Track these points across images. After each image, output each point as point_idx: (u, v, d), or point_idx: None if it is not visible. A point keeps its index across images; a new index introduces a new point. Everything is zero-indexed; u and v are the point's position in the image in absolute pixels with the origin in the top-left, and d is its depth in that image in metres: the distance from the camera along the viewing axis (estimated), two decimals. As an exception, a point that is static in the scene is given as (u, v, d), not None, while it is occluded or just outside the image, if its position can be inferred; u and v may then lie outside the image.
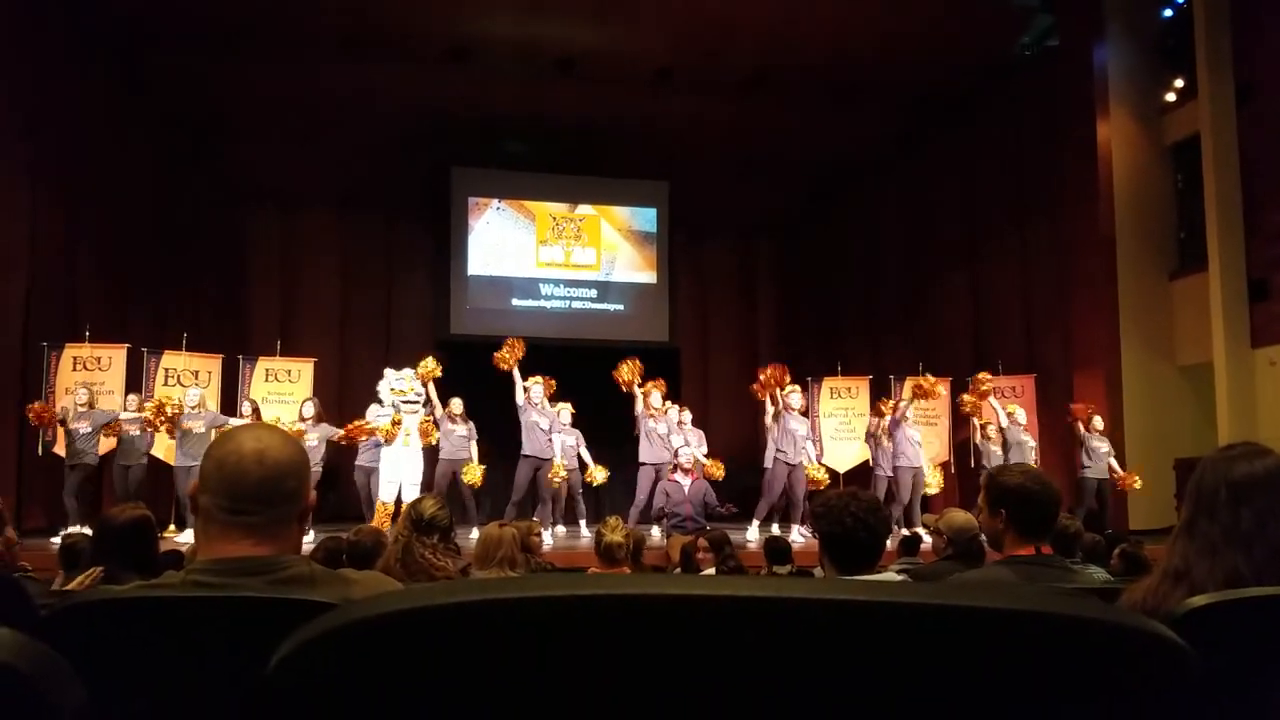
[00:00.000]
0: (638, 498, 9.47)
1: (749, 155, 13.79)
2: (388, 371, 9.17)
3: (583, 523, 10.08)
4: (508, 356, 9.25)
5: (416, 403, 8.93)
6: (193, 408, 9.06)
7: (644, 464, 9.52)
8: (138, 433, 9.00)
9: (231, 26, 10.43)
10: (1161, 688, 0.62)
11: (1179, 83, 11.07)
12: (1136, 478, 9.65)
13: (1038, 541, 2.58)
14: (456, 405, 9.60)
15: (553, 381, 9.72)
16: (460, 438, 9.43)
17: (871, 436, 10.44)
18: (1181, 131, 10.96)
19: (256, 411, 9.37)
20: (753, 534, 9.40)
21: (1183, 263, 11.06)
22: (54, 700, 0.59)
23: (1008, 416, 10.16)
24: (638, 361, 9.65)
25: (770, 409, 9.62)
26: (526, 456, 9.36)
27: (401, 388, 8.88)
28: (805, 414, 10.17)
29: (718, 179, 14.45)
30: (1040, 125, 11.79)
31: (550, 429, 9.45)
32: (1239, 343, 9.92)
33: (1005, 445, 9.98)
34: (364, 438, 9.13)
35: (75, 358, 9.75)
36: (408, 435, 8.85)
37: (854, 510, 2.59)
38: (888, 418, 10.15)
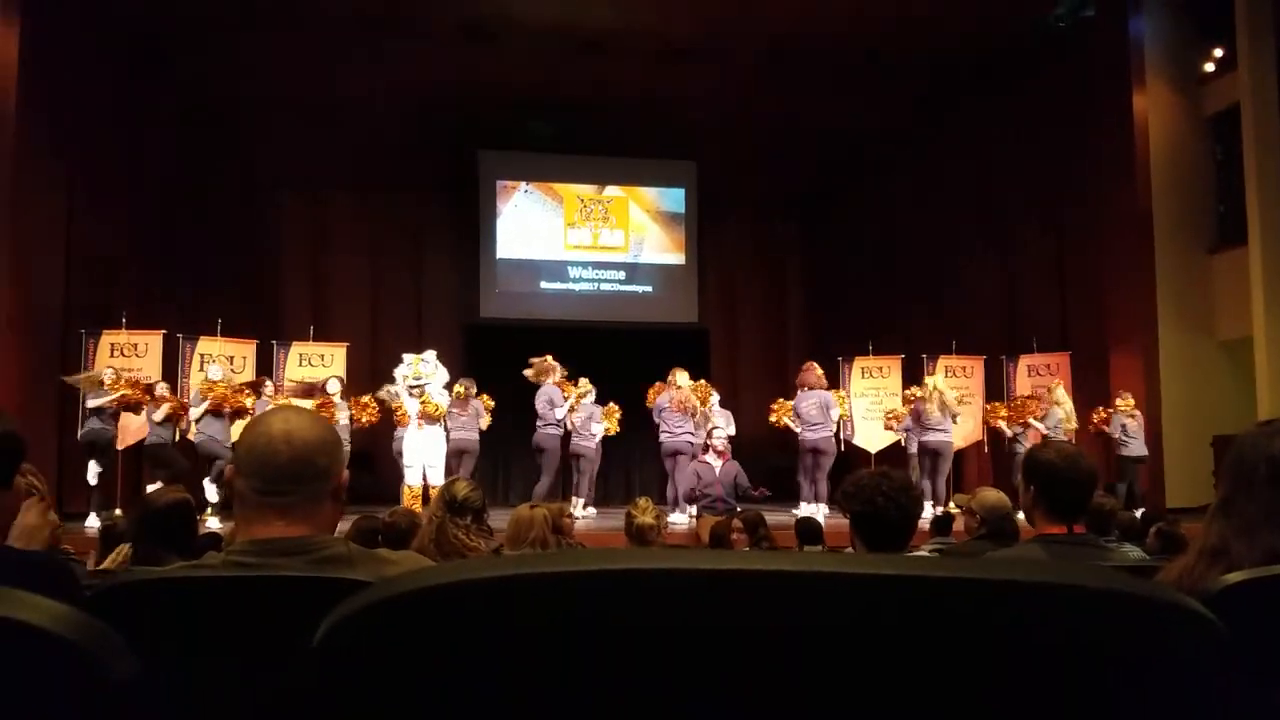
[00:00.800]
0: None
1: (774, 132, 13.65)
2: (406, 356, 9.24)
3: (580, 500, 10.07)
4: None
5: (424, 385, 8.98)
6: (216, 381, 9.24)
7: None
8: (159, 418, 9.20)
9: (257, 9, 10.48)
10: (1194, 664, 0.62)
11: (1218, 52, 10.85)
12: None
13: (1069, 520, 2.56)
14: (464, 386, 9.64)
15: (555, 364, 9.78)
16: (467, 419, 9.44)
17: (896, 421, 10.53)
18: (1221, 102, 10.76)
19: (278, 391, 9.49)
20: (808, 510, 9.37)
21: (1222, 236, 10.88)
22: (109, 673, 0.60)
23: (1050, 399, 10.14)
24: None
25: None
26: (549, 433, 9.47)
27: (407, 372, 8.96)
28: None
29: (743, 157, 14.34)
30: (1075, 97, 11.59)
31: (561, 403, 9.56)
32: (1280, 317, 9.76)
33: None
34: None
35: (113, 344, 9.90)
36: (421, 420, 8.92)
37: (885, 490, 2.58)
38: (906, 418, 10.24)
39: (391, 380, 9.29)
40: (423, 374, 8.96)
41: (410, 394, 8.92)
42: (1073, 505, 2.56)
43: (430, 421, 8.93)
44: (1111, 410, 9.85)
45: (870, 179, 15.30)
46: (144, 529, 3.39)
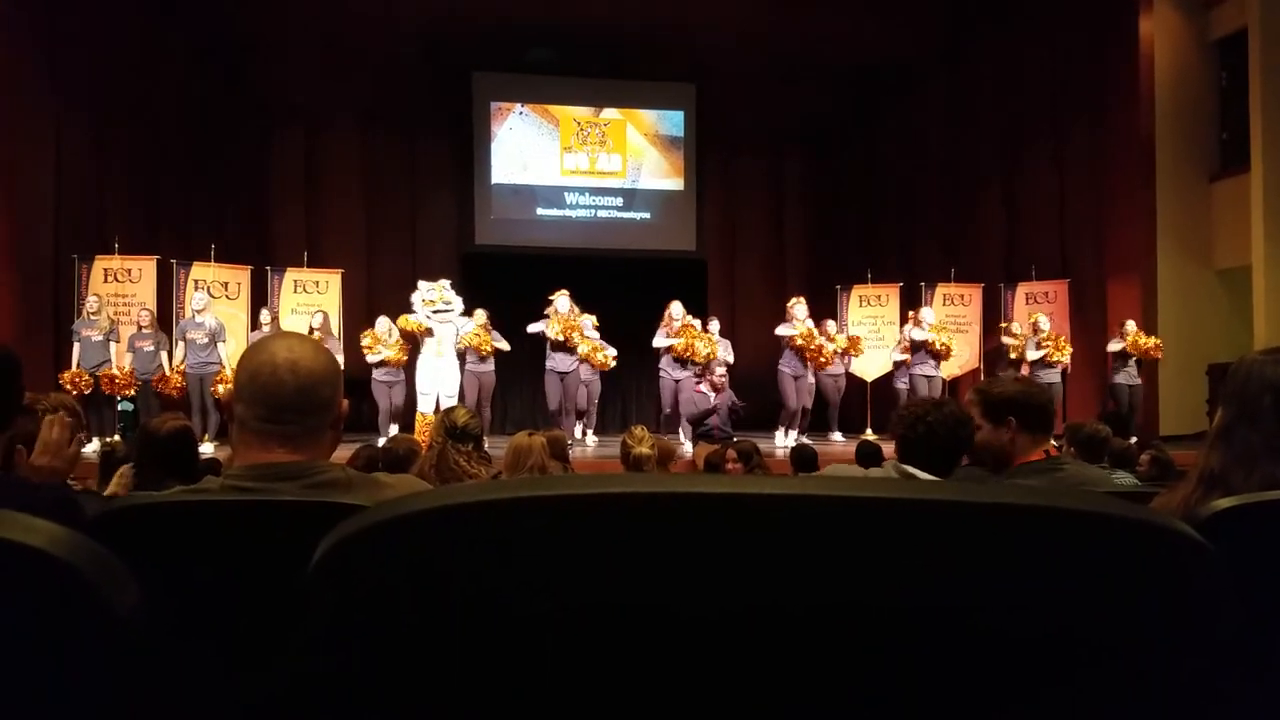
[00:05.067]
0: (665, 410, 9.66)
1: (783, 53, 13.32)
2: (421, 283, 9.23)
3: (585, 431, 10.17)
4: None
5: (447, 312, 8.97)
6: (198, 311, 9.26)
7: (663, 376, 9.66)
8: (151, 348, 9.24)
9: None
10: (1184, 588, 0.63)
11: (1227, -26, 10.63)
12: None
13: (1045, 444, 2.59)
14: (480, 316, 9.61)
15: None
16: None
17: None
18: (1228, 26, 10.56)
19: (275, 321, 9.52)
20: (778, 441, 9.66)
21: (1224, 164, 10.78)
22: (111, 599, 0.61)
23: (1030, 325, 10.17)
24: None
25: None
26: (552, 370, 9.45)
27: (432, 298, 8.93)
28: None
29: (750, 78, 14.02)
30: (1083, 19, 11.37)
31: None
32: (1279, 246, 9.72)
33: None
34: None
35: (106, 269, 9.85)
36: (440, 345, 8.93)
37: (930, 420, 2.60)
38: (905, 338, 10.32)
39: (409, 308, 9.25)
40: (449, 300, 8.97)
41: (437, 320, 8.91)
42: (1049, 424, 2.60)
43: (477, 354, 9.09)
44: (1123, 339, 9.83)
45: (874, 107, 15.07)
46: (145, 455, 3.41)
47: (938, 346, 10.07)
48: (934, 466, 2.60)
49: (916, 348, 10.19)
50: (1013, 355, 10.42)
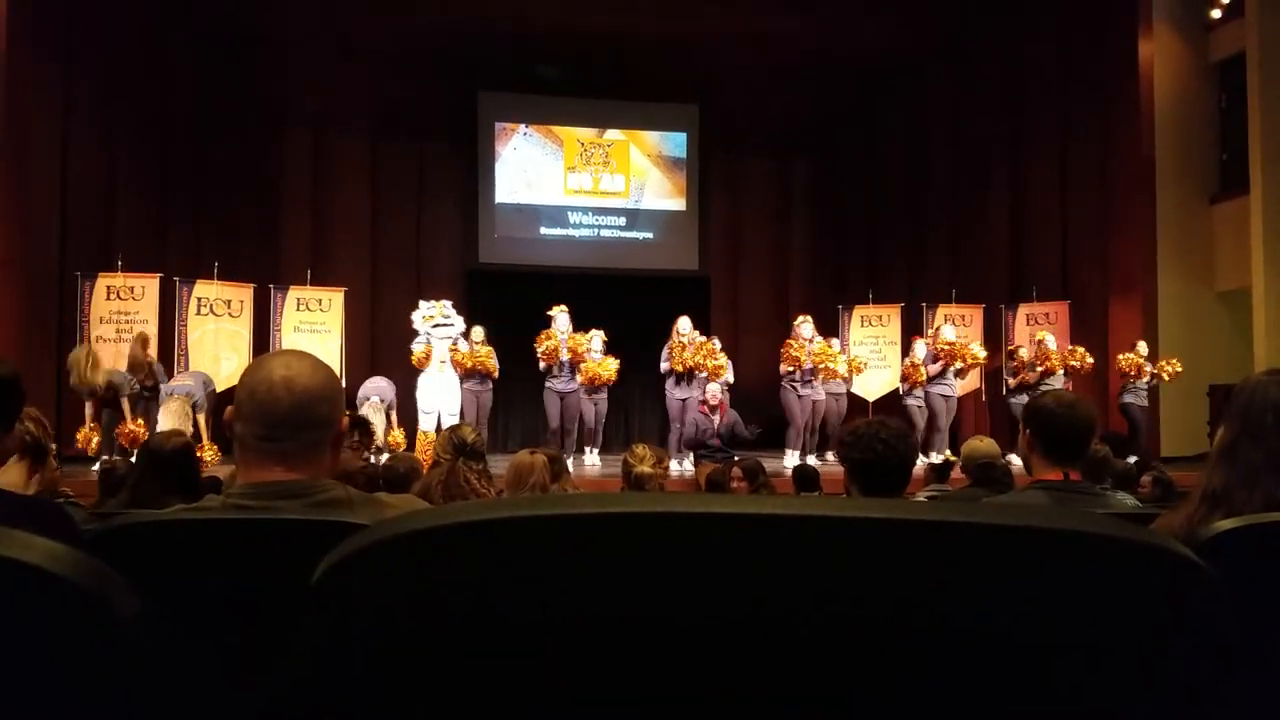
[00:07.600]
0: (673, 427, 9.53)
1: (785, 68, 13.39)
2: (421, 303, 9.26)
3: (589, 450, 10.14)
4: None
5: (446, 327, 8.99)
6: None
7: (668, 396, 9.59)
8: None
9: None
10: (1182, 610, 0.62)
11: (1226, -2, 10.71)
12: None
13: (1065, 467, 2.58)
14: (477, 333, 9.61)
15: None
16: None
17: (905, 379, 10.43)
18: (1227, 49, 10.63)
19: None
20: (789, 461, 9.52)
21: (1224, 186, 10.81)
22: (111, 614, 0.61)
23: (1037, 345, 10.11)
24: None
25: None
26: (549, 387, 9.42)
27: (431, 313, 8.96)
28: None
29: (752, 95, 14.11)
30: (1085, 40, 11.44)
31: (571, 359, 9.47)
32: (1279, 268, 9.74)
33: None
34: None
35: (109, 287, 9.86)
36: (442, 362, 8.94)
37: (884, 438, 2.60)
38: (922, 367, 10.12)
39: (411, 326, 9.26)
40: (449, 315, 8.99)
41: (436, 335, 8.93)
42: (1068, 451, 2.57)
43: (484, 371, 9.00)
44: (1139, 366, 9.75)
45: (880, 121, 15.12)
46: (148, 472, 3.41)
47: (969, 359, 9.89)
48: (891, 486, 2.61)
49: (939, 358, 9.95)
50: (1012, 382, 10.36)
